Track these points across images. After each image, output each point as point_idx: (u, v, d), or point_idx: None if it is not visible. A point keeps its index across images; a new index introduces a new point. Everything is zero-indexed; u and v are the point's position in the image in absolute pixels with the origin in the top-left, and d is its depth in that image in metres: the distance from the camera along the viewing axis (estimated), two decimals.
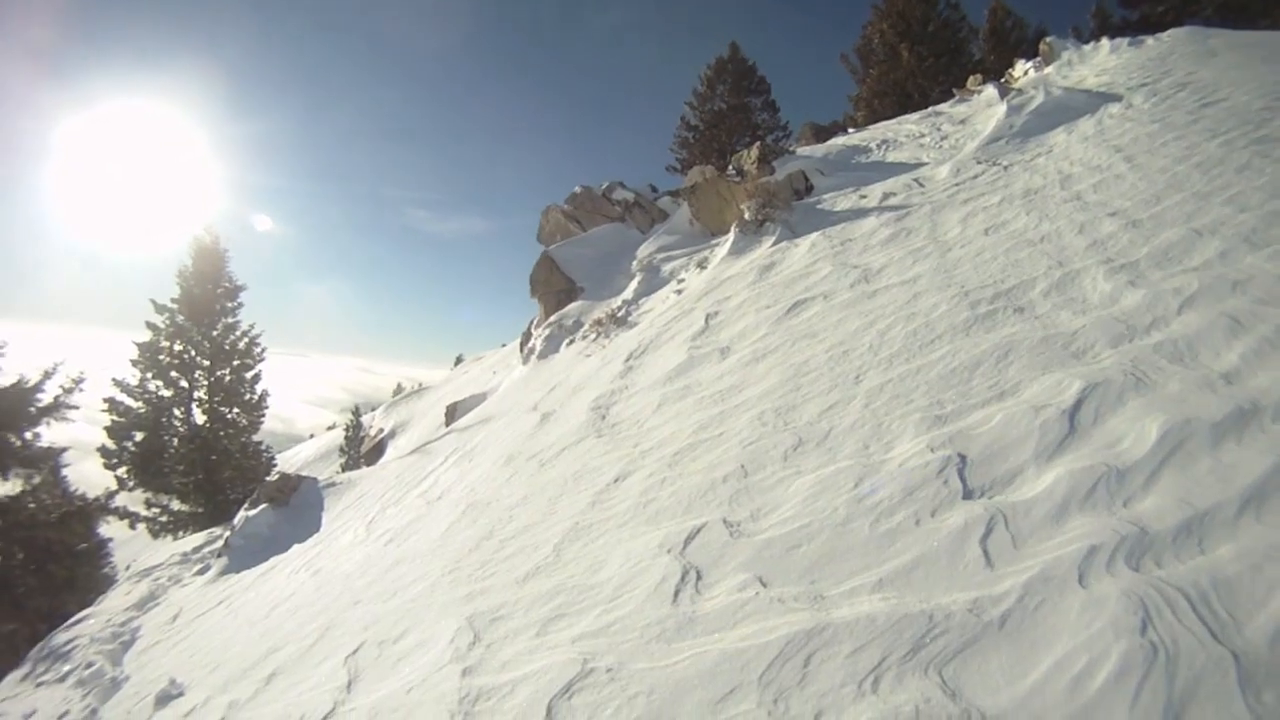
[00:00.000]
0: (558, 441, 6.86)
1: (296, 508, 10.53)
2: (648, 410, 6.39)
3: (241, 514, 11.05)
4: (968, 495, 3.33)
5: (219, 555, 10.25)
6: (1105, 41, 15.33)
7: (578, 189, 19.01)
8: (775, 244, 10.02)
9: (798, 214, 10.88)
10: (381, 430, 30.23)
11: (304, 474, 12.20)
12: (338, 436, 40.42)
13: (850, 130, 19.33)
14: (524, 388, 11.77)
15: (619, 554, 4.04)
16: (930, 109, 16.15)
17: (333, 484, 11.09)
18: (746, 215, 11.20)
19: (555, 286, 15.81)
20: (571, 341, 12.52)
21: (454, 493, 7.33)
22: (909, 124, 15.37)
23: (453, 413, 18.08)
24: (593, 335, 11.46)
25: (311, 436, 60.18)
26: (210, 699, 4.98)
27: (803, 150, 15.49)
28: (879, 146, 14.28)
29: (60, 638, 10.21)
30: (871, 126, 17.60)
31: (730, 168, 15.15)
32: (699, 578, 3.46)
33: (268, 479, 11.98)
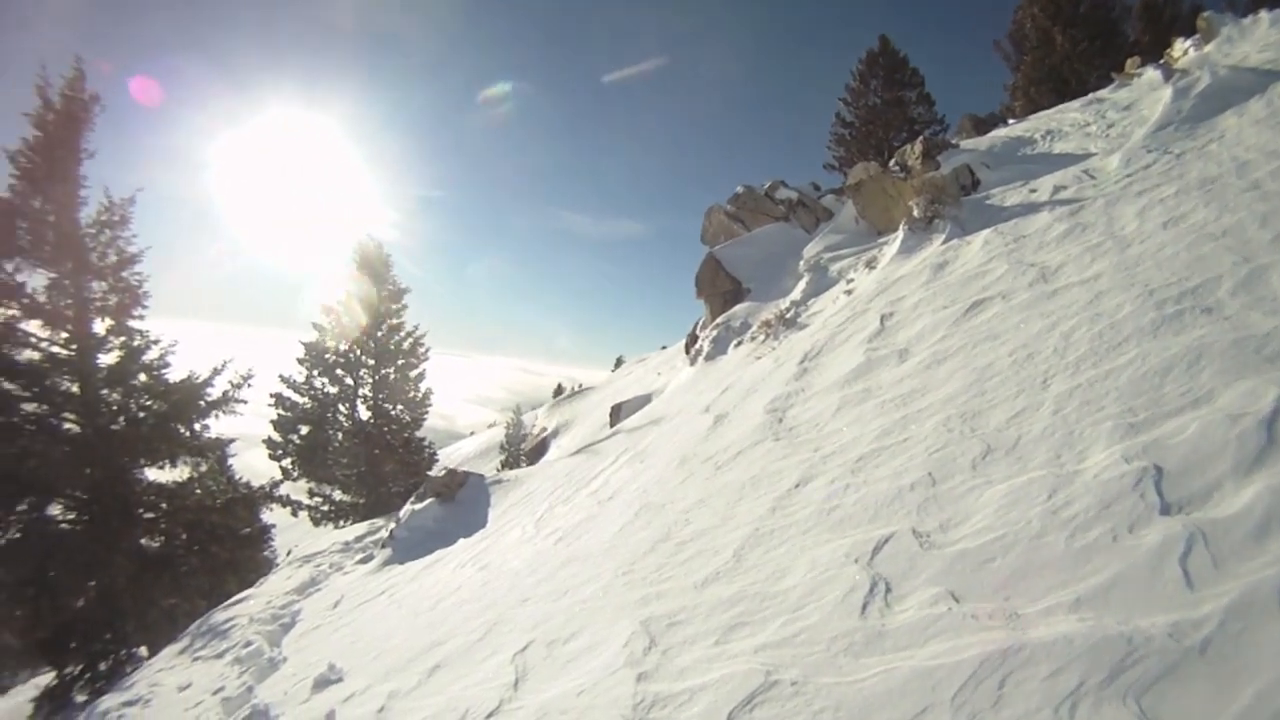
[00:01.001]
0: (733, 444, 6.84)
1: (463, 503, 10.90)
2: (826, 414, 6.29)
3: (408, 507, 11.54)
4: (1165, 510, 3.12)
5: (383, 546, 10.71)
6: (1264, 15, 14.14)
7: (740, 189, 19.07)
8: (946, 242, 9.76)
9: (966, 210, 10.56)
10: (545, 429, 31.05)
11: (468, 470, 12.64)
12: (498, 434, 41.81)
13: (1010, 121, 18.60)
14: (693, 389, 11.81)
15: (803, 562, 3.97)
16: (1091, 96, 15.35)
17: (500, 480, 11.43)
18: (915, 212, 10.93)
19: (721, 287, 15.85)
20: (739, 343, 12.52)
21: (626, 493, 7.41)
22: (1071, 112, 14.65)
23: (617, 413, 18.35)
24: (761, 336, 11.43)
25: (472, 434, 62.45)
26: (370, 687, 5.19)
27: (965, 144, 15.00)
28: (1043, 137, 13.67)
29: (219, 616, 10.91)
30: (1032, 117, 16.91)
31: (893, 163, 14.86)
32: (888, 590, 3.36)
33: (435, 474, 12.53)
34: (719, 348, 13.24)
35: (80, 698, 13.26)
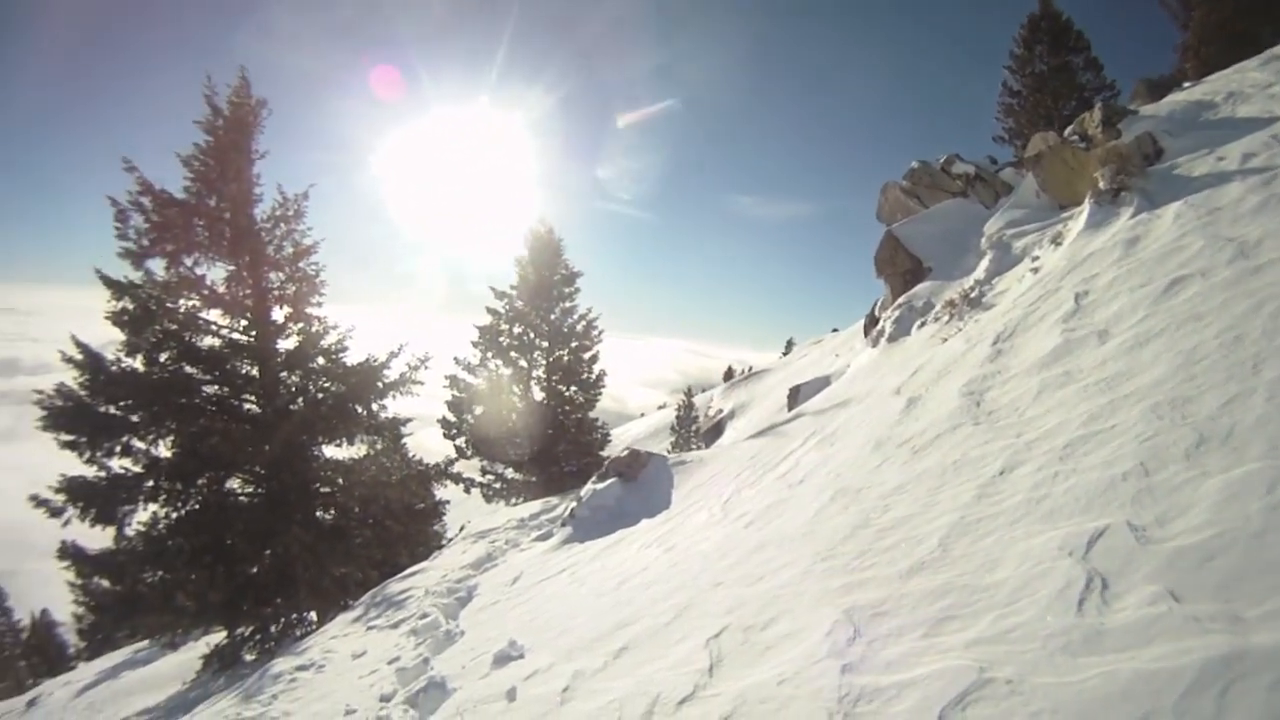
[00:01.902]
0: (929, 428, 6.76)
1: (645, 483, 11.10)
2: (1026, 398, 6.18)
3: (589, 486, 11.84)
4: None
5: (562, 524, 11.03)
6: None
7: (915, 164, 18.90)
8: (1135, 216, 9.43)
9: (1153, 181, 10.14)
10: (720, 411, 31.36)
11: (650, 451, 12.90)
12: (668, 416, 42.38)
13: (1186, 85, 17.38)
14: (877, 371, 11.73)
15: (1014, 554, 3.90)
16: (1268, 53, 14.22)
17: (683, 462, 11.58)
18: (1101, 184, 10.61)
19: (900, 266, 15.69)
20: (923, 324, 12.39)
21: (818, 477, 7.40)
22: (1251, 72, 13.64)
23: (796, 395, 18.35)
24: (946, 317, 11.30)
25: (642, 415, 63.43)
26: (554, 665, 5.30)
27: (1144, 110, 14.20)
28: (1225, 100, 12.79)
29: (394, 587, 11.41)
30: (1208, 79, 15.78)
31: (1070, 133, 14.26)
32: (1105, 586, 3.28)
33: (618, 454, 12.85)
34: (901, 328, 13.11)
35: (249, 657, 14.37)
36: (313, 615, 14.77)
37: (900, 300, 14.44)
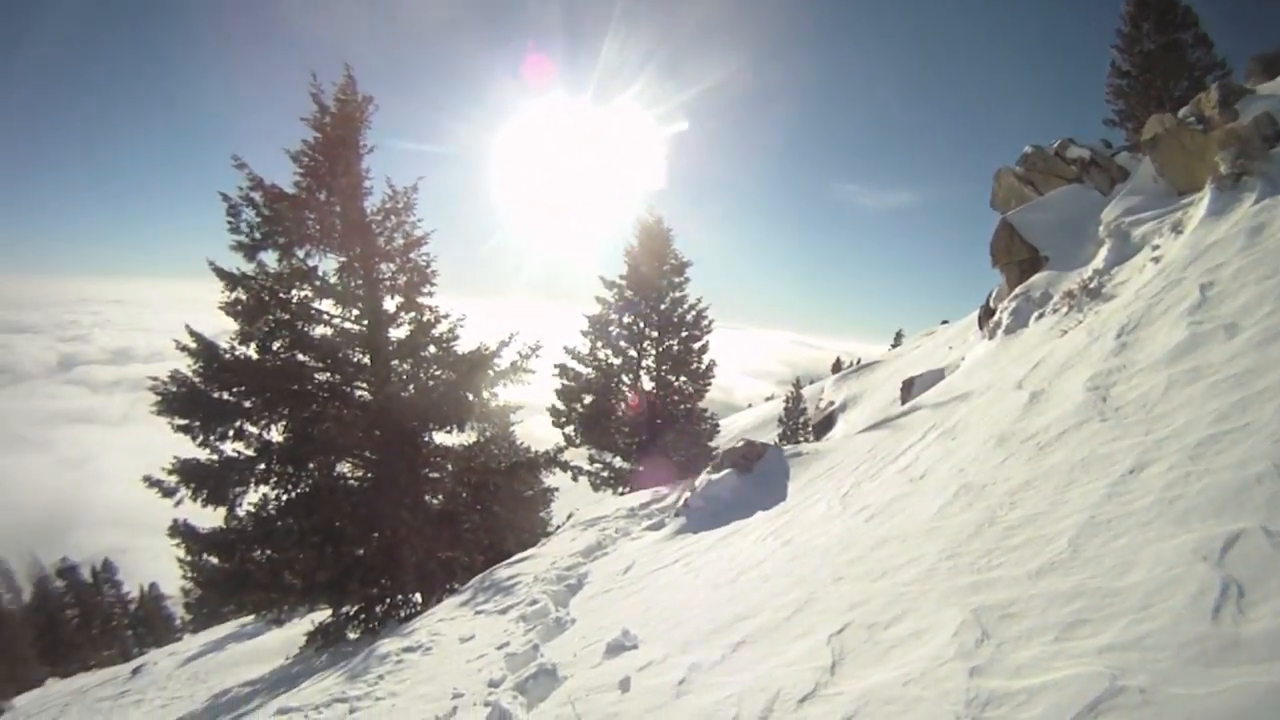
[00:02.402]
0: (1055, 423, 6.69)
1: (760, 475, 11.07)
2: (1154, 393, 6.08)
3: (704, 476, 11.90)
4: None
5: (675, 514, 11.09)
6: None
7: (1028, 149, 18.64)
8: (1258, 202, 9.18)
9: (1275, 165, 9.81)
10: (832, 403, 31.18)
11: (766, 442, 12.94)
12: (775, 407, 42.28)
13: None
14: (994, 364, 11.61)
15: (1147, 557, 3.85)
16: None
17: (799, 453, 11.56)
18: (1222, 169, 10.31)
19: (1016, 255, 15.51)
20: (1041, 315, 12.26)
21: (939, 472, 7.37)
22: None
23: (909, 388, 18.21)
24: (1064, 308, 11.20)
25: (749, 406, 63.40)
26: (669, 657, 5.31)
27: (1262, 89, 13.62)
28: None
29: (502, 572, 11.60)
30: None
31: (1187, 114, 13.82)
32: (1240, 594, 3.23)
33: (734, 444, 12.94)
34: (1019, 320, 12.95)
35: (352, 635, 14.95)
36: (417, 597, 15.24)
37: (1017, 291, 14.26)
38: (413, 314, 16.03)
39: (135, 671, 23.46)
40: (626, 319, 22.53)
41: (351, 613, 15.14)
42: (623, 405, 22.01)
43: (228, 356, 14.59)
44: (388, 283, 15.93)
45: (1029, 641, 3.60)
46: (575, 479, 19.51)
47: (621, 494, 20.11)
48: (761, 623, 5.28)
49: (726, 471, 11.41)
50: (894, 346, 48.98)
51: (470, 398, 15.86)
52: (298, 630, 16.91)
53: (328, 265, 15.60)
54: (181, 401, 14.20)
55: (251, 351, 14.87)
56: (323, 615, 15.79)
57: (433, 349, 16.04)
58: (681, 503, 11.33)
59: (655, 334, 22.51)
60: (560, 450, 17.11)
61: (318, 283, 15.35)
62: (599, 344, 22.49)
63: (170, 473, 14.00)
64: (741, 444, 12.34)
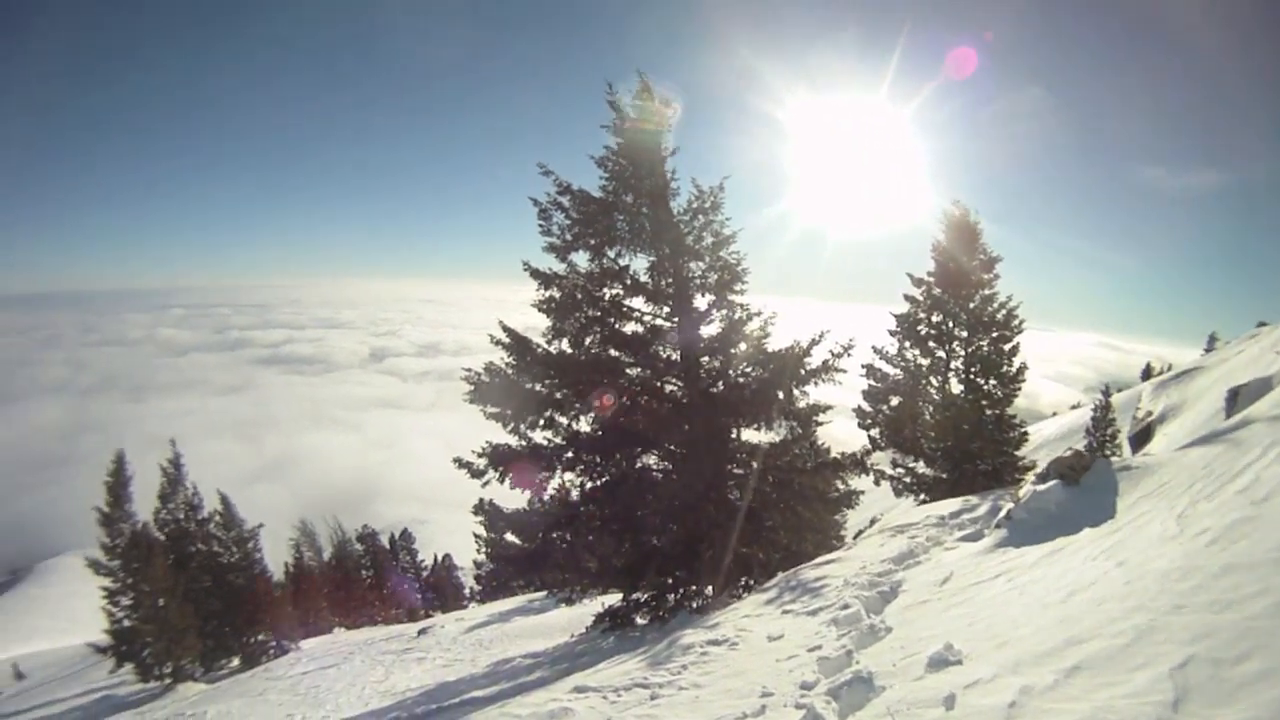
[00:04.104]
0: None
1: (1088, 488, 10.50)
2: None
3: (1029, 487, 11.43)
4: None
5: (997, 526, 10.79)
6: None
7: None
8: None
9: None
10: (1150, 413, 29.29)
11: (1094, 453, 12.35)
12: (1081, 416, 40.20)
13: None
14: None
15: None
16: None
17: (1127, 467, 10.97)
18: None
19: None
20: None
21: None
22: None
23: (1234, 399, 16.95)
24: None
25: (1054, 414, 60.59)
26: (997, 677, 5.19)
27: None
28: None
29: (809, 573, 11.65)
30: None
31: None
32: None
33: (1061, 454, 12.41)
34: None
35: (640, 621, 15.57)
36: (708, 590, 15.56)
37: None
38: (724, 311, 16.43)
39: (421, 632, 25.35)
40: (935, 318, 21.79)
41: (642, 599, 15.79)
42: (929, 409, 21.36)
43: (539, 350, 15.59)
44: (698, 280, 16.42)
45: None
46: (878, 483, 19.35)
47: (923, 501, 19.72)
48: (1097, 648, 5.09)
49: (1053, 483, 10.90)
50: (1208, 351, 45.53)
51: (780, 396, 16.03)
52: (585, 610, 17.73)
53: (638, 264, 16.40)
54: (494, 391, 15.30)
55: (565, 346, 15.87)
56: (612, 599, 16.54)
57: (743, 346, 16.35)
58: (1004, 514, 10.97)
59: (965, 334, 21.61)
60: (867, 453, 17.07)
61: (629, 281, 16.18)
62: (907, 344, 21.92)
63: (480, 455, 15.14)
64: (1070, 453, 11.79)
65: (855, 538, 17.39)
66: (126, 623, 24.64)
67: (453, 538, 64.11)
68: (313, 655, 25.39)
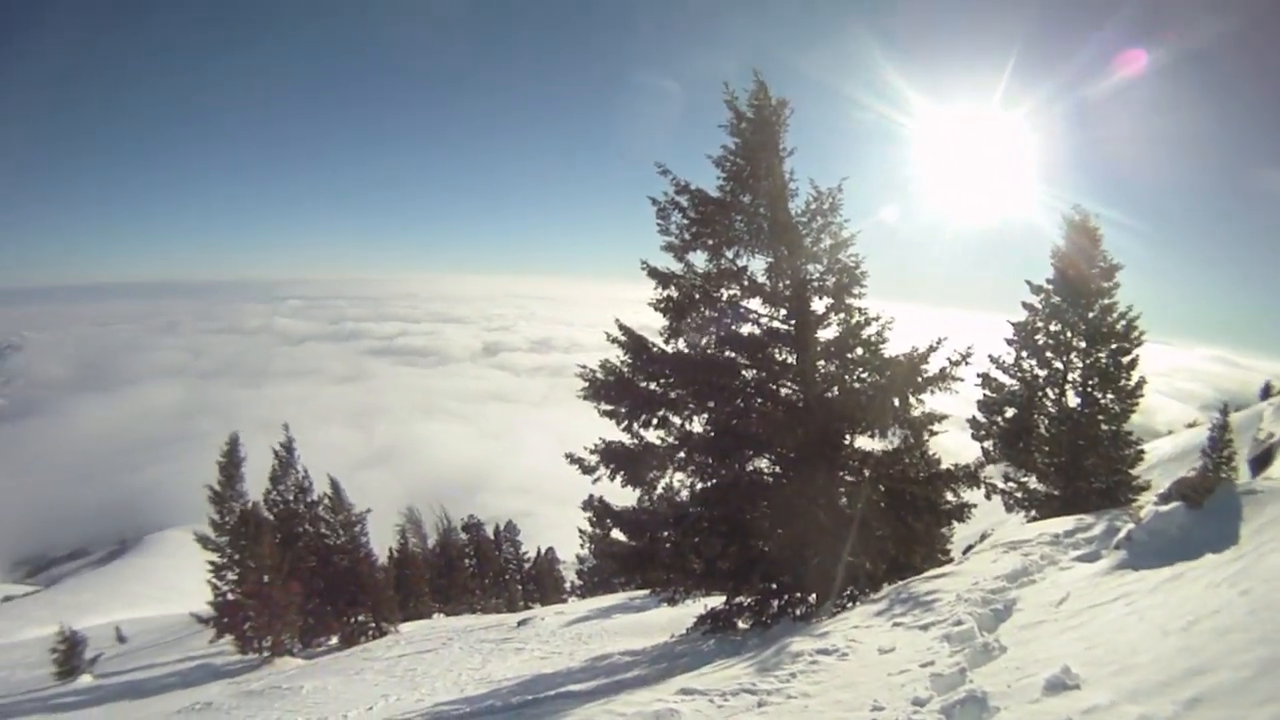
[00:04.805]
0: None
1: (1210, 512, 10.21)
2: None
3: (1150, 508, 11.20)
4: None
5: (1115, 547, 10.58)
6: None
7: None
8: None
9: None
10: (1271, 435, 28.37)
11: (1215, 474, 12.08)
12: (1198, 435, 39.06)
13: None
14: None
15: None
16: None
17: (1252, 491, 10.70)
18: None
19: None
20: None
21: None
22: None
23: None
24: None
25: (1170, 432, 58.93)
26: (1115, 704, 5.17)
27: None
28: None
29: (920, 586, 11.56)
30: None
31: None
32: None
33: (1185, 474, 12.18)
34: None
35: (742, 625, 15.74)
36: (812, 598, 15.66)
37: None
38: (841, 315, 16.39)
39: (521, 623, 25.90)
40: (1053, 327, 21.36)
41: (746, 603, 15.91)
42: (1045, 421, 20.95)
43: (655, 350, 15.86)
44: (815, 283, 16.40)
45: None
46: (989, 497, 18.98)
47: (1033, 518, 19.45)
48: (1220, 681, 5.05)
49: (1176, 505, 10.63)
50: None
51: (896, 403, 15.96)
52: (686, 611, 17.88)
53: (755, 265, 16.43)
54: (609, 389, 15.62)
55: (681, 346, 16.07)
56: (714, 601, 16.66)
57: (860, 351, 16.30)
58: (1124, 535, 10.78)
59: (1083, 344, 21.11)
60: (980, 465, 16.83)
61: (746, 282, 16.25)
62: (1024, 354, 21.59)
63: (593, 452, 15.44)
64: (1194, 473, 11.55)
65: (965, 553, 17.15)
66: (230, 596, 26.27)
67: (557, 532, 65.49)
68: (411, 639, 26.31)
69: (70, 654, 30.11)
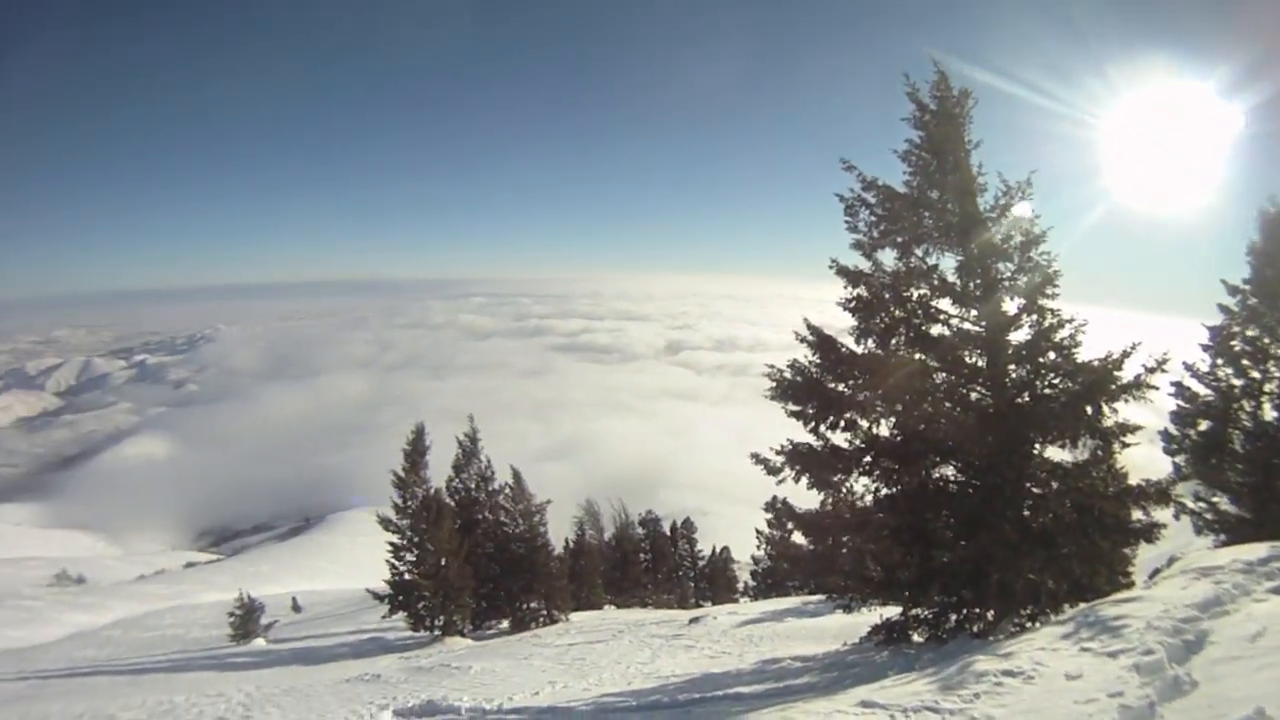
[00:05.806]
0: None
1: None
2: None
3: None
4: None
5: None
6: None
7: None
8: None
9: None
10: None
11: None
12: None
13: None
14: None
15: None
16: None
17: None
18: None
19: None
20: None
21: None
22: None
23: None
24: None
25: None
26: None
27: None
28: None
29: (1108, 610, 11.15)
30: None
31: None
32: None
33: None
34: None
35: (917, 639, 15.44)
36: (989, 614, 15.22)
37: None
38: (1033, 316, 15.66)
39: (693, 620, 26.01)
40: (1250, 332, 20.18)
41: (923, 615, 15.59)
42: (1240, 436, 19.83)
43: (844, 350, 15.60)
44: (1006, 282, 15.80)
45: None
46: (1178, 516, 18.12)
47: (1223, 542, 18.59)
48: None
49: None
50: None
51: (1089, 411, 15.17)
52: (859, 620, 17.63)
53: (945, 264, 16.03)
54: (797, 389, 15.45)
55: (871, 346, 15.74)
56: (890, 611, 16.37)
57: (1052, 355, 15.54)
58: None
59: None
60: (1173, 482, 15.90)
61: (936, 281, 15.85)
62: (1220, 361, 20.48)
63: (779, 453, 15.26)
64: None
65: (1151, 576, 16.45)
66: (407, 576, 27.29)
67: (733, 531, 66.18)
68: (581, 628, 26.92)
69: (247, 618, 32.37)
